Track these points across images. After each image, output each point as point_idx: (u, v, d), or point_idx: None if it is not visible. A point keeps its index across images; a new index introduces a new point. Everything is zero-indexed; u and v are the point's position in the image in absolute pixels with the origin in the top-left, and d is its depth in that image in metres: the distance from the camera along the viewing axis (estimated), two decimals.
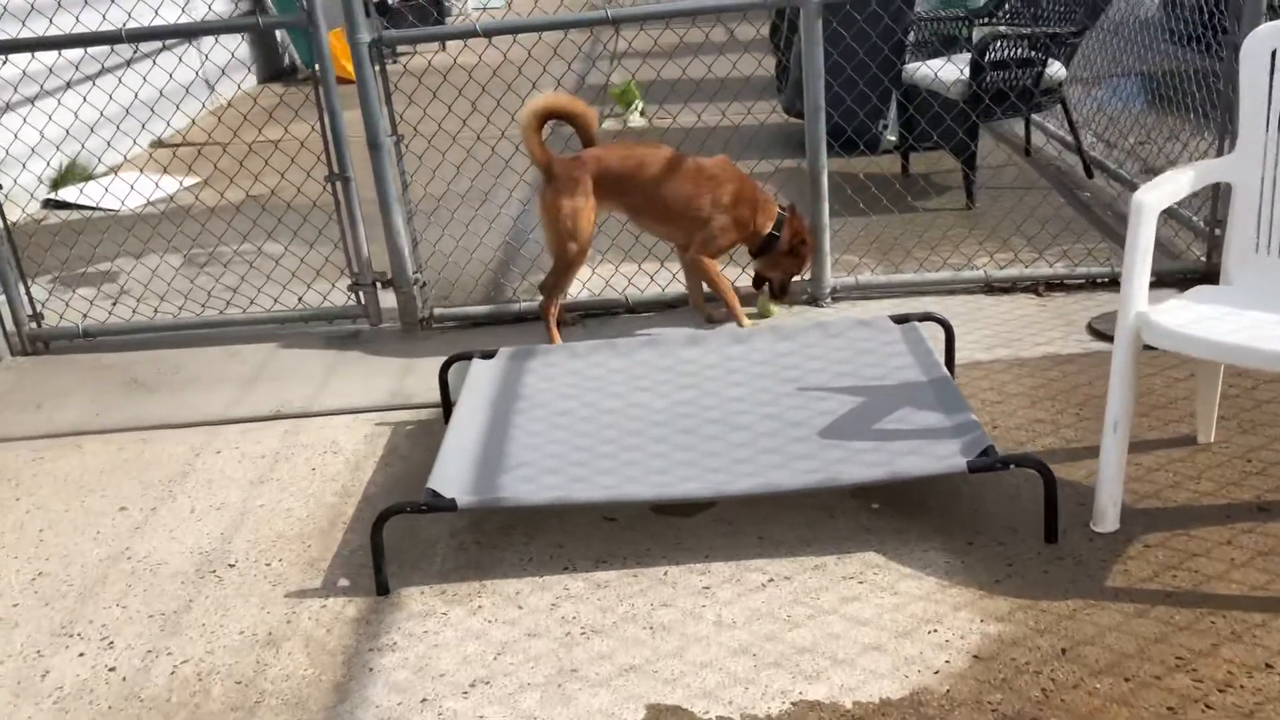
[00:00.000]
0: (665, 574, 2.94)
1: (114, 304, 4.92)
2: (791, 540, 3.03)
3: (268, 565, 3.15)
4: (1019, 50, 5.52)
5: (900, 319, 3.81)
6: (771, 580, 2.88)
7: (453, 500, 2.92)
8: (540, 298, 4.43)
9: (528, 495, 2.97)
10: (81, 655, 2.82)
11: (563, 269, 4.30)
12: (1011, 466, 2.89)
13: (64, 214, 5.94)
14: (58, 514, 3.51)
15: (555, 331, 4.39)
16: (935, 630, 2.63)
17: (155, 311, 4.87)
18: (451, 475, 3.07)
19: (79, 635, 2.90)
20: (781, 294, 4.43)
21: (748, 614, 2.75)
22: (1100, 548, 2.88)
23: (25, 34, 4.57)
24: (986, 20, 6.49)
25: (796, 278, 4.52)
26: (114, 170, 7.23)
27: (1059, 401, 3.66)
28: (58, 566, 3.23)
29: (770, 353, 3.72)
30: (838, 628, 2.67)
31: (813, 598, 2.79)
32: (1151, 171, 5.59)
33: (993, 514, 3.07)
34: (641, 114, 7.94)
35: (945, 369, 3.44)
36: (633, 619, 2.77)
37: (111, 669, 2.76)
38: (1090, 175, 5.93)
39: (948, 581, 2.81)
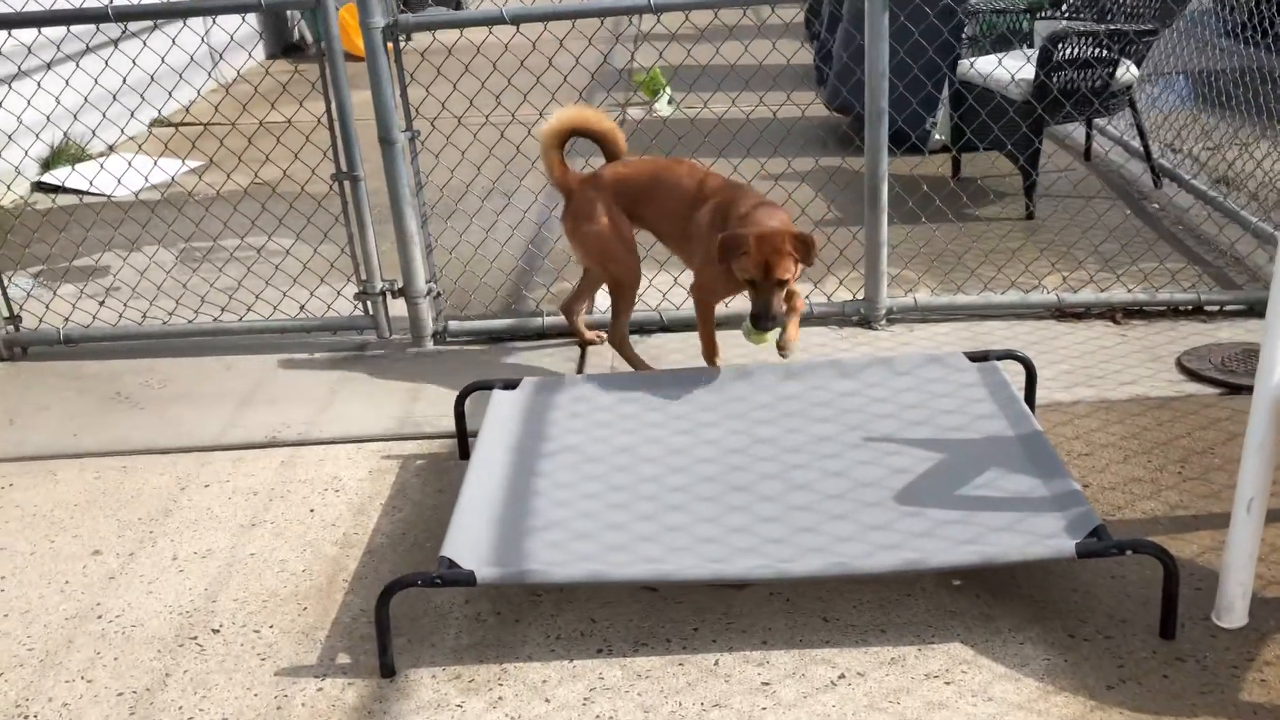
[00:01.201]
0: (716, 663, 2.53)
1: (100, 304, 4.51)
2: (862, 624, 2.62)
3: (256, 632, 2.74)
4: (1091, 48, 5.07)
5: (978, 356, 3.38)
6: (842, 676, 2.46)
7: (471, 574, 2.51)
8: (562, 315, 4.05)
9: (558, 570, 2.55)
10: None
11: (617, 295, 3.82)
12: (1128, 553, 2.47)
13: (53, 198, 5.52)
14: (23, 557, 3.11)
15: (583, 331, 4.15)
16: None
17: (144, 315, 4.45)
18: (469, 540, 2.66)
19: (36, 717, 2.50)
20: (757, 321, 3.32)
21: None
22: (1227, 648, 2.46)
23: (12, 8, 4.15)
24: (1045, 15, 6.04)
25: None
26: (112, 149, 6.80)
27: (1156, 456, 3.24)
28: (18, 625, 2.82)
29: (830, 392, 3.29)
30: None
31: (892, 702, 2.38)
32: (1224, 182, 5.15)
33: (1095, 598, 2.65)
34: (670, 102, 7.48)
35: (1036, 423, 3.01)
36: None
37: None
38: (1158, 184, 5.48)
39: (1050, 686, 2.39)
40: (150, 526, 3.22)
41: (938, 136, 6.07)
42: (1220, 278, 4.45)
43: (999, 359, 3.37)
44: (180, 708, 2.50)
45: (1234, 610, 2.51)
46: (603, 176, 3.79)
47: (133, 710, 2.50)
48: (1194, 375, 3.69)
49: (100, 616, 2.84)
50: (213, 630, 2.76)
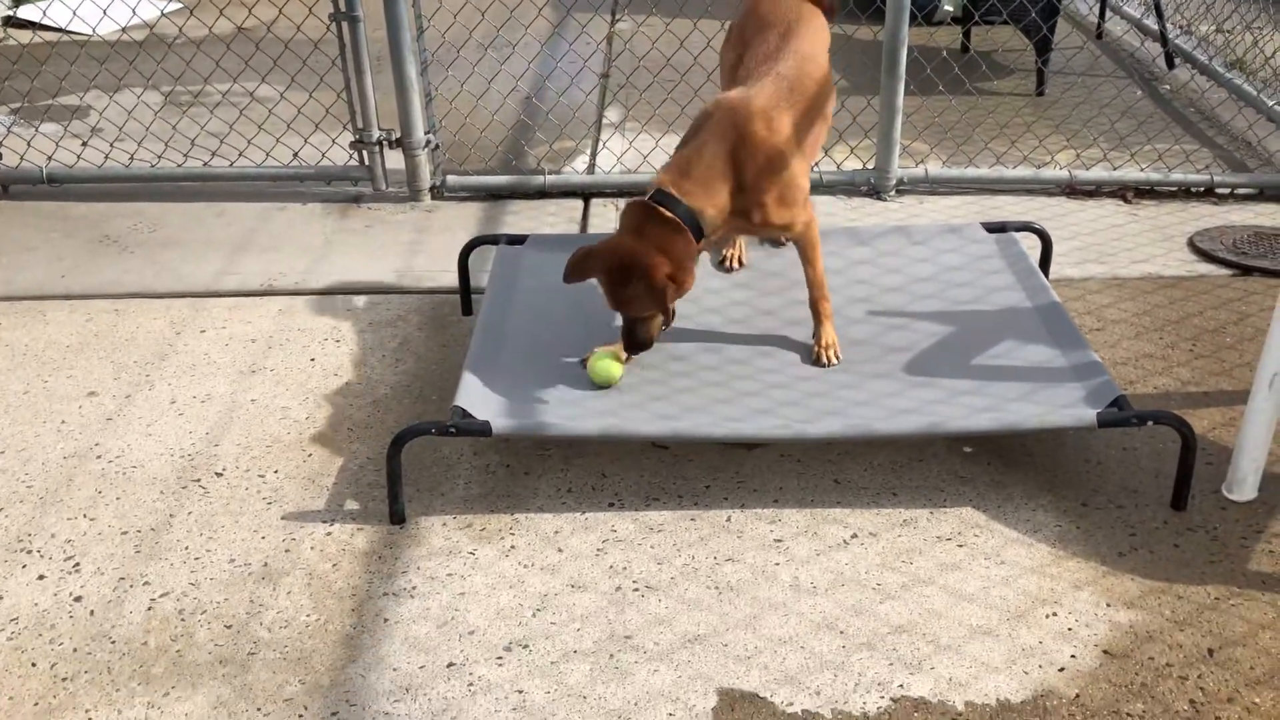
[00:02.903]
0: (729, 520, 2.52)
1: (84, 145, 4.34)
2: (874, 487, 2.61)
3: (261, 477, 2.70)
4: None
5: (995, 227, 3.32)
6: (855, 536, 2.46)
7: (486, 424, 2.46)
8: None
9: (573, 424, 2.51)
10: (42, 579, 2.39)
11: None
12: (1150, 424, 2.46)
13: (26, 36, 5.28)
14: (16, 396, 3.04)
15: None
16: (1055, 614, 2.24)
17: (131, 158, 4.29)
18: (482, 392, 2.61)
19: (39, 552, 2.46)
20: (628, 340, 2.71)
21: (830, 577, 2.35)
22: (1238, 520, 2.48)
23: None
24: None
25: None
26: None
27: (1167, 334, 3.22)
28: (15, 462, 2.77)
29: (844, 260, 3.23)
30: (938, 603, 2.27)
31: (905, 562, 2.38)
32: (1238, 65, 5.04)
33: (1107, 469, 2.65)
34: None
35: (1054, 294, 2.97)
36: (694, 574, 2.36)
37: (77, 598, 2.33)
38: (1172, 66, 5.37)
39: (1063, 551, 2.40)
40: (146, 370, 3.15)
41: (947, 7, 5.90)
42: (1232, 161, 4.39)
43: (1016, 230, 3.31)
44: (186, 548, 2.47)
45: (1245, 484, 2.52)
46: None
47: (138, 549, 2.47)
48: (1206, 255, 3.66)
49: (99, 457, 2.79)
50: (216, 473, 2.72)
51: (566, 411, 2.57)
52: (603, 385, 2.71)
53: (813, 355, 2.81)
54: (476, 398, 2.58)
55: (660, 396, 2.67)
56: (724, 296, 3.09)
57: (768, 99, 2.67)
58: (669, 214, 2.56)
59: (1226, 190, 4.15)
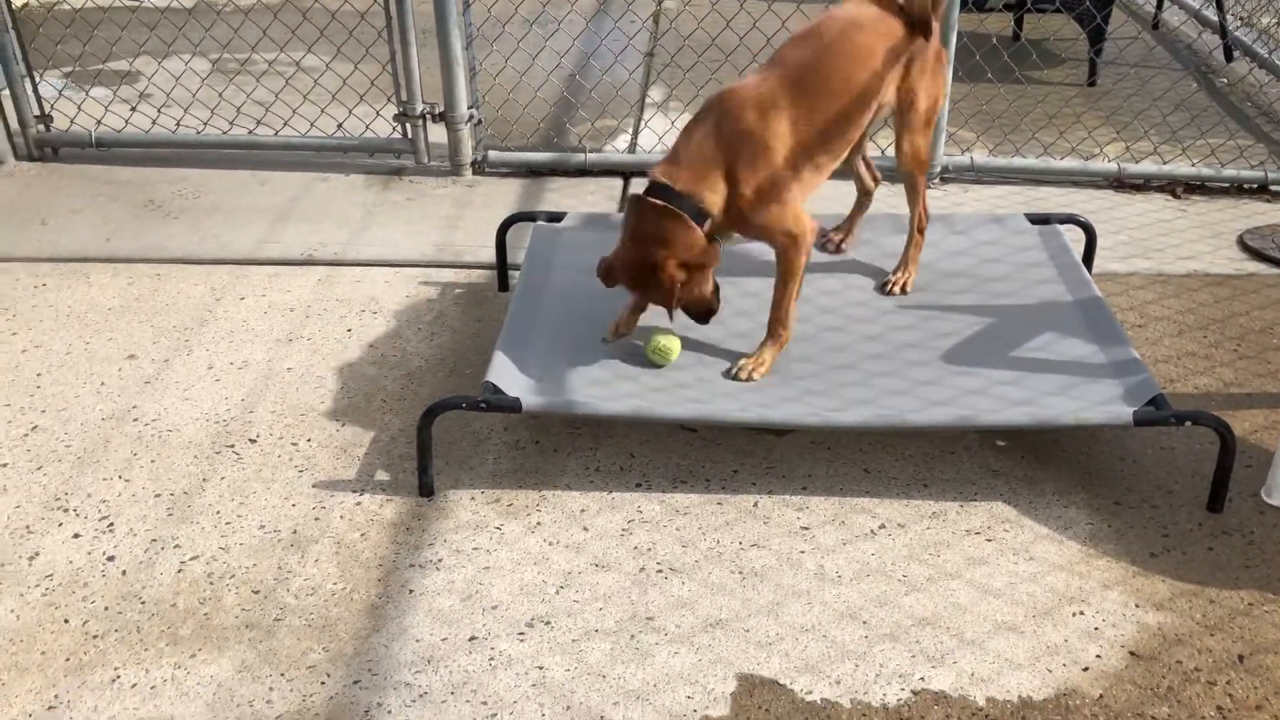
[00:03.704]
0: (755, 505, 2.52)
1: (132, 110, 4.38)
2: (904, 478, 2.59)
3: (294, 445, 2.73)
4: None
5: (1039, 219, 3.28)
6: (883, 527, 2.45)
7: (516, 400, 2.47)
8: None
9: (604, 404, 2.51)
10: (77, 537, 2.43)
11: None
12: (1187, 424, 2.42)
13: (78, 2, 5.32)
14: (58, 356, 3.08)
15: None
16: (1082, 613, 2.21)
17: (178, 124, 4.33)
18: (514, 368, 2.61)
19: (74, 511, 2.51)
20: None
21: (856, 567, 2.33)
22: (1276, 525, 2.43)
23: None
24: None
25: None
26: None
27: (1212, 332, 3.16)
28: (54, 421, 2.82)
29: (879, 248, 3.19)
30: (963, 597, 2.25)
31: (932, 554, 2.37)
32: None
33: (1142, 469, 2.62)
34: None
35: (1096, 289, 2.92)
36: (718, 558, 2.36)
37: (110, 558, 2.37)
38: (1230, 59, 5.25)
39: (1093, 549, 2.37)
40: (185, 335, 3.19)
41: None
42: None
43: (1060, 223, 3.26)
44: (218, 512, 2.51)
45: None
46: None
47: (170, 511, 2.51)
48: (1256, 254, 3.58)
49: (136, 420, 2.83)
50: (250, 440, 2.75)
51: (596, 391, 2.57)
52: (661, 362, 2.73)
53: (735, 365, 2.70)
54: (508, 374, 2.58)
55: (686, 384, 2.66)
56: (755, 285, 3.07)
57: (768, 90, 2.59)
58: (661, 203, 2.53)
59: None
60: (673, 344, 2.73)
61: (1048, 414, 2.44)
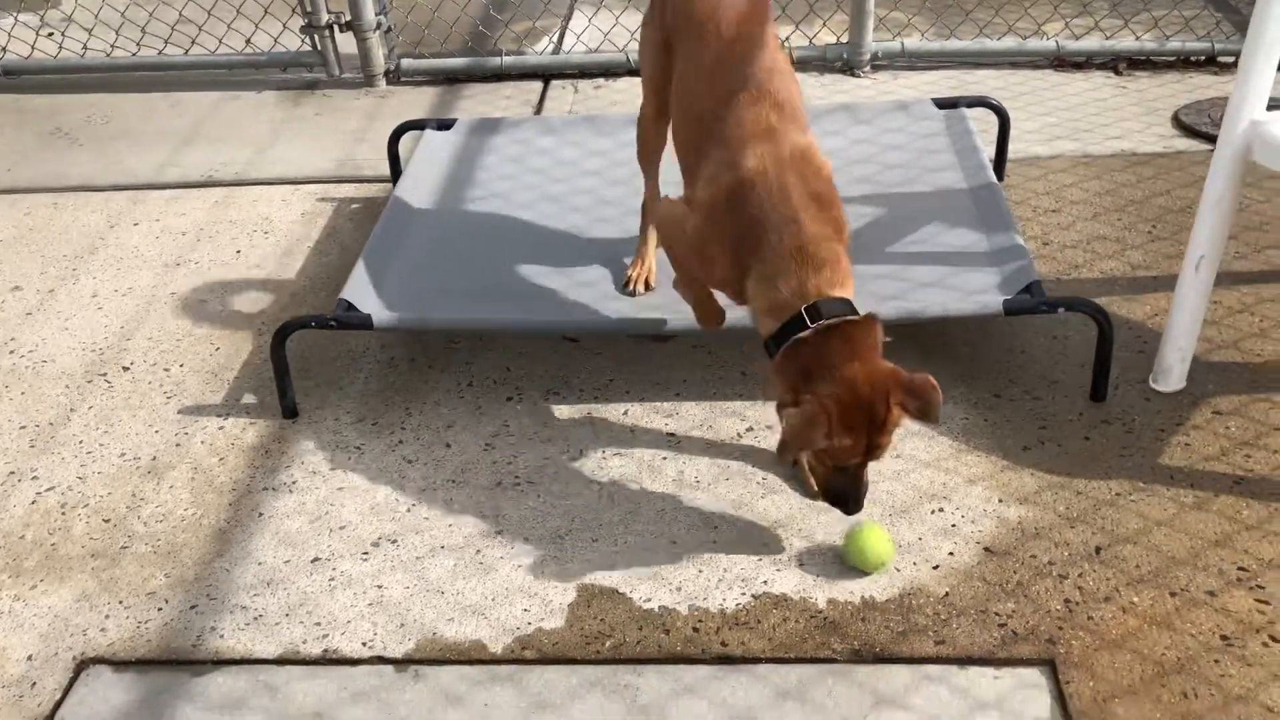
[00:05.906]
0: (625, 413, 2.44)
1: (36, 36, 4.27)
2: None
3: (166, 370, 2.68)
4: None
5: (946, 103, 3.12)
6: (750, 429, 2.37)
7: (368, 317, 2.40)
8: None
9: (462, 314, 2.43)
10: None
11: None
12: (1061, 311, 2.31)
13: None
14: None
15: None
16: (941, 509, 2.14)
17: (85, 48, 4.23)
18: (373, 283, 2.53)
19: None
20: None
21: (716, 471, 2.27)
22: (1158, 412, 2.34)
23: None
24: None
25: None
26: None
27: (1128, 214, 3.03)
28: None
29: None
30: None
31: None
32: None
33: (1030, 359, 2.51)
34: None
35: (992, 173, 2.78)
36: (579, 469, 2.30)
37: None
38: None
39: (964, 445, 2.29)
40: (74, 264, 3.13)
41: None
42: (1242, 25, 4.07)
43: (970, 106, 3.11)
44: (80, 442, 2.47)
45: (1171, 374, 2.36)
46: None
47: (32, 443, 2.47)
48: (1189, 130, 3.42)
49: (13, 352, 2.79)
50: (123, 368, 2.71)
51: (460, 303, 2.49)
52: (873, 567, 2.01)
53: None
54: (365, 290, 2.50)
55: (565, 289, 2.57)
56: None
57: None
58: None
59: (1230, 58, 3.87)
60: (884, 546, 2.00)
61: (916, 307, 2.34)
